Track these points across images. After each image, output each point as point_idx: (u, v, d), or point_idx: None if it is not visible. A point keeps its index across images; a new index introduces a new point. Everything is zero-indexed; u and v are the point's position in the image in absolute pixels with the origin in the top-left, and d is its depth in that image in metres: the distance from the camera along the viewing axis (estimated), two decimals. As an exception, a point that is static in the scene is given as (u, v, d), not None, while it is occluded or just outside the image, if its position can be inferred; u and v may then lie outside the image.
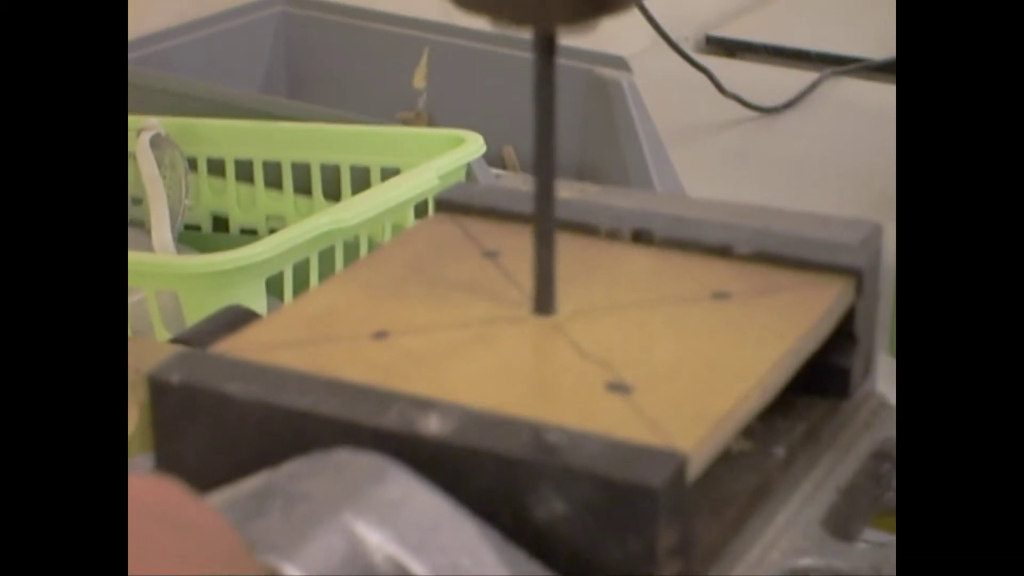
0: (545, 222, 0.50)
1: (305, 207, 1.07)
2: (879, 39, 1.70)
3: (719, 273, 0.54)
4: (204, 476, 0.45)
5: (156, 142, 1.06)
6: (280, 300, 0.90)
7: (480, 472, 0.43)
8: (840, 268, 0.53)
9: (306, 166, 1.07)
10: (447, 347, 0.49)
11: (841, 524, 0.50)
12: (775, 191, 1.34)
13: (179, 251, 1.03)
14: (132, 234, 1.06)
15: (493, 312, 0.51)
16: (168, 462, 0.47)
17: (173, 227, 1.03)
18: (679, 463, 0.42)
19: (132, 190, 1.06)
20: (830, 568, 0.47)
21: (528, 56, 0.49)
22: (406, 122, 1.31)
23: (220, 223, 1.12)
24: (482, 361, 0.48)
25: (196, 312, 0.84)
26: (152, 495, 0.40)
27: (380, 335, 0.50)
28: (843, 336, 0.53)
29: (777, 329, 0.50)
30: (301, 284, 0.91)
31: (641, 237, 0.56)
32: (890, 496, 0.52)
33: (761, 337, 0.50)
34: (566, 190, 0.57)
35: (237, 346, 0.49)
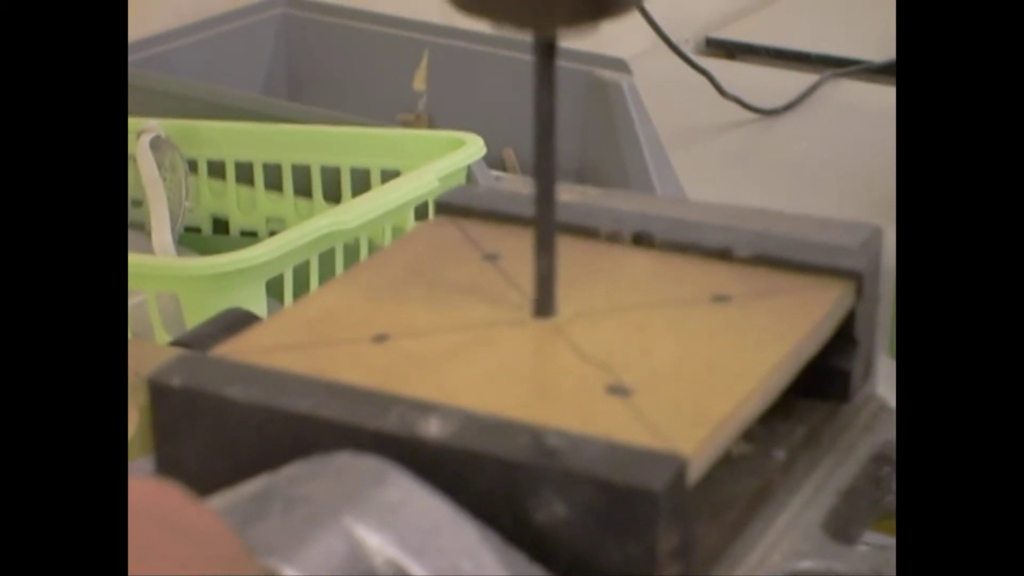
0: (545, 225, 0.50)
1: (305, 209, 1.07)
2: (879, 41, 1.70)
3: (719, 276, 0.54)
4: (204, 479, 0.45)
5: (156, 144, 1.06)
6: (280, 302, 0.90)
7: (480, 475, 0.43)
8: (840, 271, 0.53)
9: (306, 168, 1.07)
10: (447, 350, 0.49)
11: (841, 527, 0.50)
12: (775, 193, 1.34)
13: (179, 253, 1.03)
14: (132, 236, 1.06)
15: (493, 315, 0.51)
16: (168, 465, 0.47)
17: (173, 229, 1.03)
18: (679, 466, 0.42)
19: (132, 192, 1.06)
20: (830, 571, 0.47)
21: (528, 58, 0.49)
22: (406, 124, 1.31)
23: (220, 225, 1.12)
24: (482, 364, 0.48)
25: (196, 314, 0.84)
26: (152, 498, 0.40)
27: (380, 338, 0.50)
28: (843, 339, 0.53)
29: (777, 332, 0.50)
30: (301, 286, 0.91)
31: (641, 240, 0.56)
32: (890, 499, 0.52)
33: (761, 340, 0.50)
34: (566, 193, 0.57)
35: (237, 349, 0.49)
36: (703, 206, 0.60)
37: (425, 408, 0.44)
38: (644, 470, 0.41)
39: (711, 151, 1.46)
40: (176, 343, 0.65)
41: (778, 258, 0.54)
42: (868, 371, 0.55)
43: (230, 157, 1.10)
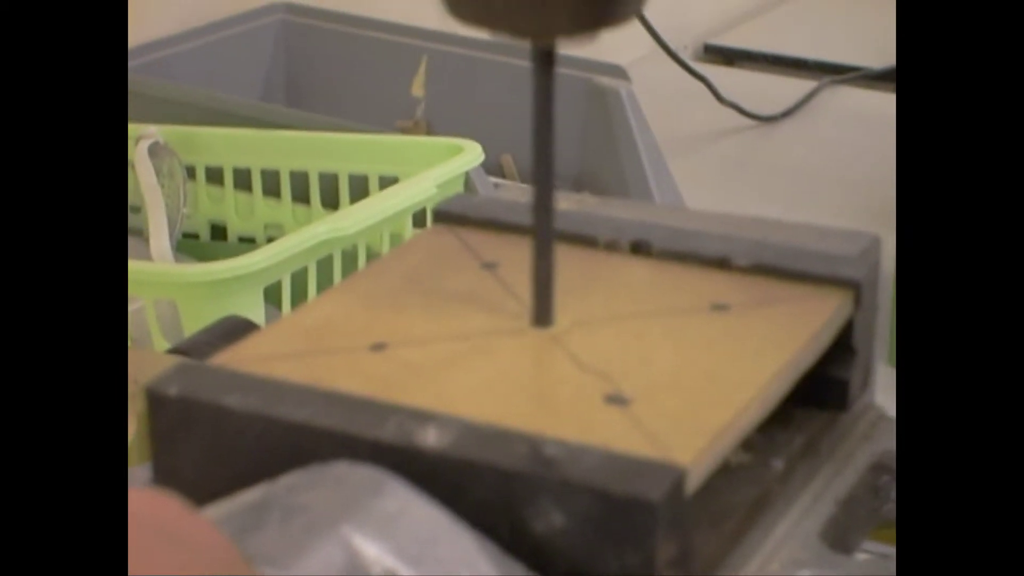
0: (543, 234, 0.50)
1: (303, 215, 1.07)
2: (878, 48, 1.70)
3: (718, 285, 0.54)
4: (202, 488, 0.45)
5: (154, 150, 1.06)
6: (278, 309, 0.90)
7: (478, 485, 0.42)
8: (839, 280, 0.53)
9: (304, 174, 1.07)
10: (445, 359, 0.49)
11: (840, 536, 0.50)
12: (773, 200, 1.34)
13: (177, 260, 1.03)
14: (130, 242, 1.06)
15: (491, 324, 0.51)
16: (166, 474, 0.47)
17: (171, 236, 1.03)
18: (678, 476, 0.42)
19: (130, 198, 1.06)
20: (829, 580, 0.47)
21: (527, 64, 0.49)
22: (404, 131, 1.31)
23: (218, 231, 1.12)
24: (480, 373, 0.48)
25: (194, 321, 0.84)
26: (150, 508, 0.40)
27: (378, 347, 0.50)
28: (842, 348, 0.53)
29: (776, 341, 0.50)
30: (299, 293, 0.91)
31: (640, 249, 0.56)
32: (889, 508, 0.52)
33: (760, 349, 0.50)
34: (565, 201, 0.57)
35: (235, 358, 0.49)
36: (701, 215, 0.60)
37: (423, 417, 0.44)
38: (642, 480, 0.41)
39: (709, 158, 1.46)
40: (174, 351, 0.65)
41: (776, 267, 0.54)
42: (866, 380, 0.55)
43: (228, 163, 1.10)
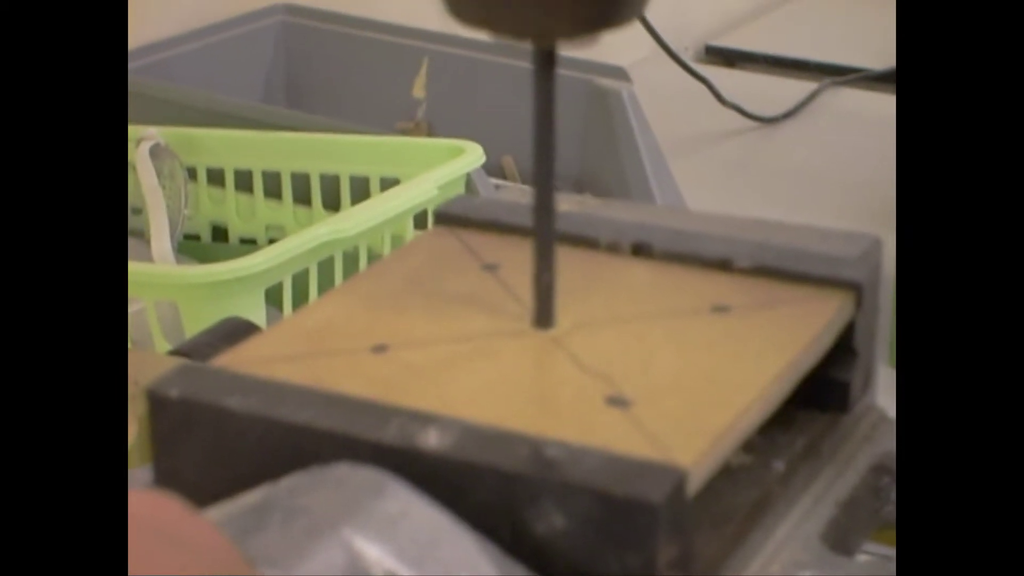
0: (545, 235, 0.50)
1: (304, 217, 1.07)
2: (879, 49, 1.70)
3: (719, 287, 0.54)
4: (203, 490, 0.45)
5: (155, 152, 1.06)
6: (279, 310, 0.90)
7: (479, 487, 0.42)
8: (840, 282, 0.53)
9: (305, 176, 1.08)
10: (446, 361, 0.49)
11: (841, 538, 0.50)
12: (775, 201, 1.34)
13: (178, 261, 1.03)
14: (131, 244, 1.06)
15: (492, 326, 0.51)
16: (167, 476, 0.47)
17: (172, 237, 1.03)
18: (679, 478, 0.42)
19: (131, 200, 1.06)
20: (830, 582, 0.47)
21: (528, 66, 0.49)
22: (405, 132, 1.31)
23: (219, 233, 1.12)
24: (481, 375, 0.48)
25: (195, 322, 0.84)
26: (150, 510, 0.40)
27: (379, 349, 0.50)
28: (843, 350, 0.53)
29: (777, 343, 0.50)
30: (300, 294, 0.91)
31: (641, 250, 0.56)
32: (889, 510, 0.52)
33: (761, 351, 0.50)
34: (566, 203, 0.57)
35: (236, 360, 0.49)
36: (703, 216, 0.60)
37: (424, 419, 0.44)
38: (644, 482, 0.41)
39: (710, 159, 1.46)
40: (175, 352, 0.65)
41: (778, 269, 0.54)
42: (868, 382, 0.55)
43: (229, 165, 1.10)
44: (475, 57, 1.30)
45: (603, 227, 0.57)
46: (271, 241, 1.00)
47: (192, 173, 1.09)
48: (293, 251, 0.88)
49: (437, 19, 0.49)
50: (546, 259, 0.50)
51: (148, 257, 1.01)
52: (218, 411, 0.45)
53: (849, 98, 1.61)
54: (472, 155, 1.01)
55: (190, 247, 1.09)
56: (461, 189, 1.00)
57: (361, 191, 1.04)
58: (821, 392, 0.53)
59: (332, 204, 1.06)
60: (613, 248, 0.56)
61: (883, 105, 1.56)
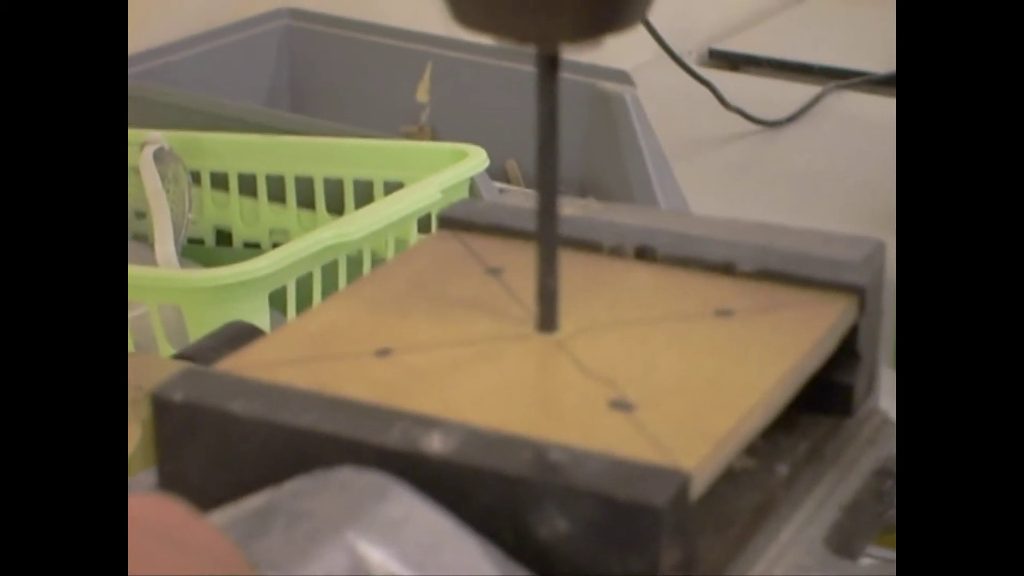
0: (548, 239, 0.50)
1: (308, 221, 1.07)
2: (882, 52, 1.70)
3: (722, 290, 0.54)
4: (207, 494, 0.45)
5: (160, 156, 1.06)
6: (283, 314, 0.90)
7: (483, 490, 0.42)
8: (843, 286, 0.53)
9: (309, 180, 1.08)
10: (450, 364, 0.49)
11: (844, 542, 0.50)
12: (778, 205, 1.34)
13: (183, 265, 1.03)
14: (136, 248, 1.06)
15: (496, 329, 0.51)
16: (171, 480, 0.47)
17: (177, 241, 1.03)
18: (682, 481, 0.42)
19: (136, 204, 1.06)
20: (833, 586, 0.47)
21: (531, 69, 0.49)
22: (409, 136, 1.31)
23: (223, 237, 1.12)
24: (485, 378, 0.48)
25: (199, 326, 0.84)
26: (154, 514, 0.40)
27: (383, 352, 0.50)
28: (846, 354, 0.53)
29: (780, 347, 0.50)
30: (304, 298, 0.91)
31: (644, 254, 0.56)
32: (893, 513, 0.52)
33: (764, 354, 0.50)
34: (569, 207, 0.57)
35: (240, 364, 0.49)
36: (706, 220, 0.60)
37: (427, 423, 0.44)
38: (647, 485, 0.41)
39: (714, 163, 1.46)
40: (179, 356, 0.65)
41: (781, 273, 0.54)
42: (871, 385, 0.55)
43: (233, 169, 1.10)
44: (479, 61, 1.30)
45: (606, 231, 0.57)
46: (275, 245, 1.01)
47: (196, 177, 1.09)
48: (297, 255, 0.88)
49: (441, 23, 0.50)
50: (549, 263, 0.50)
51: (152, 261, 1.01)
52: (222, 415, 0.46)
53: (853, 102, 1.61)
54: (476, 159, 1.01)
55: (194, 251, 1.10)
56: (465, 193, 1.00)
57: (365, 195, 1.05)
58: (824, 396, 0.53)
59: (336, 208, 1.06)
60: (616, 252, 0.56)
61: (886, 109, 1.56)
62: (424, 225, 0.97)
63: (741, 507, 0.48)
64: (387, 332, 0.51)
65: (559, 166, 0.50)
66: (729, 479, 0.49)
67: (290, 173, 1.08)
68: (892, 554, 0.51)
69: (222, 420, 0.46)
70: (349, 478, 0.43)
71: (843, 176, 1.41)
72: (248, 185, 1.10)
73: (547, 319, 0.51)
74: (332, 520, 0.41)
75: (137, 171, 1.05)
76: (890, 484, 0.53)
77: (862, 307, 0.53)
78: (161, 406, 0.46)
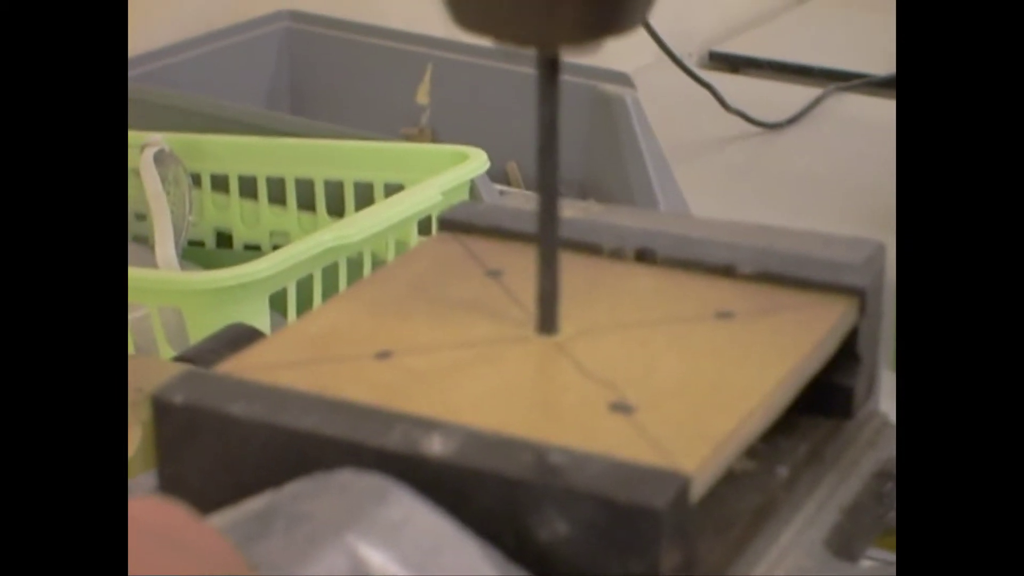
0: (548, 242, 0.50)
1: (309, 223, 1.07)
2: (882, 54, 1.70)
3: (722, 293, 0.54)
4: (207, 497, 0.45)
5: (160, 158, 1.06)
6: (283, 316, 0.90)
7: (483, 493, 0.42)
8: (843, 288, 0.53)
9: (310, 182, 1.08)
10: (450, 367, 0.49)
11: (844, 544, 0.50)
12: (779, 207, 1.34)
13: (183, 267, 1.03)
14: (136, 250, 1.06)
15: (496, 332, 0.51)
16: (171, 482, 0.47)
17: (177, 243, 1.03)
18: (682, 484, 0.42)
19: (136, 206, 1.06)
20: (833, 588, 0.47)
21: (532, 71, 0.49)
22: (409, 138, 1.31)
23: (224, 239, 1.12)
24: (485, 381, 0.48)
25: (200, 328, 0.84)
26: (154, 516, 0.40)
27: (383, 355, 0.50)
28: (846, 356, 0.53)
29: (780, 349, 0.50)
30: (304, 300, 0.91)
31: (644, 257, 0.56)
32: (893, 516, 0.52)
33: (764, 357, 0.50)
34: (570, 209, 0.57)
35: (240, 366, 0.49)
36: (706, 222, 0.60)
37: (428, 425, 0.44)
38: (647, 488, 0.41)
39: (714, 165, 1.47)
40: (179, 358, 0.65)
41: (781, 275, 0.54)
42: (871, 388, 0.55)
43: (234, 171, 1.10)
44: (479, 63, 1.30)
45: (607, 233, 0.57)
46: (275, 247, 1.01)
47: (196, 179, 1.09)
48: (297, 257, 0.88)
49: (441, 25, 0.50)
50: (550, 265, 0.50)
51: (152, 263, 1.01)
52: (222, 417, 0.46)
53: (853, 104, 1.61)
54: (476, 161, 1.01)
55: (194, 253, 1.09)
56: (465, 195, 1.00)
57: (365, 197, 1.04)
58: (825, 398, 0.53)
59: (336, 210, 1.06)
60: (617, 254, 0.56)
61: (887, 111, 1.56)
62: (424, 227, 0.97)
63: (741, 509, 0.48)
64: (387, 334, 0.51)
65: (559, 168, 0.50)
66: (729, 481, 0.49)
67: (290, 175, 1.08)
68: (892, 556, 0.51)
69: (222, 422, 0.46)
70: (349, 480, 0.43)
71: (843, 178, 1.41)
72: (248, 187, 1.10)
73: (547, 321, 0.51)
74: (332, 522, 0.41)
75: (137, 173, 1.05)
76: (890, 486, 0.53)
77: (862, 309, 0.53)
78: (161, 408, 0.46)
